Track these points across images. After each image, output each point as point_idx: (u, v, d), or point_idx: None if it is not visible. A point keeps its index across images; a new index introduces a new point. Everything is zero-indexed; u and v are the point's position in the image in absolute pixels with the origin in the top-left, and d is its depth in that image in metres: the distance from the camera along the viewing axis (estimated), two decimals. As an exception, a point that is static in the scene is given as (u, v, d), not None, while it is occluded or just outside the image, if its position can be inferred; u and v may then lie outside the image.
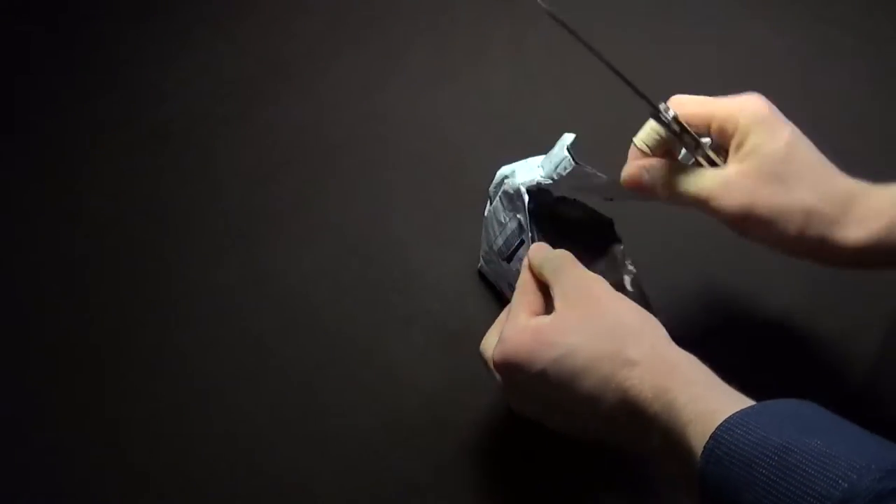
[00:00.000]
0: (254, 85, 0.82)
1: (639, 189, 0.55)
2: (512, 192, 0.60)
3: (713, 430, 0.41)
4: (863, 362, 0.66)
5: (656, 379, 0.45)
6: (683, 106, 0.54)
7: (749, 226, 0.52)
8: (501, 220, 0.62)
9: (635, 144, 0.55)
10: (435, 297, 0.69)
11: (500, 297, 0.68)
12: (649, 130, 0.55)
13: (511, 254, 0.62)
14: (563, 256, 0.53)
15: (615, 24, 0.84)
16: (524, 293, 0.53)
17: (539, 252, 0.54)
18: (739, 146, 0.53)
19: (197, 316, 0.69)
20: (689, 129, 0.54)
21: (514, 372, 0.49)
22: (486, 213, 0.64)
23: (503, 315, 0.55)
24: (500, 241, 0.63)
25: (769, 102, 0.54)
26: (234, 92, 0.81)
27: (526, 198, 0.58)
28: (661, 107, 0.54)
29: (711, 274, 0.69)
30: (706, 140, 0.55)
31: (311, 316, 0.69)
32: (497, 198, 0.62)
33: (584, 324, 0.48)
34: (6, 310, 0.70)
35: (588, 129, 0.77)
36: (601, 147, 0.77)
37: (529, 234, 0.58)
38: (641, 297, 0.60)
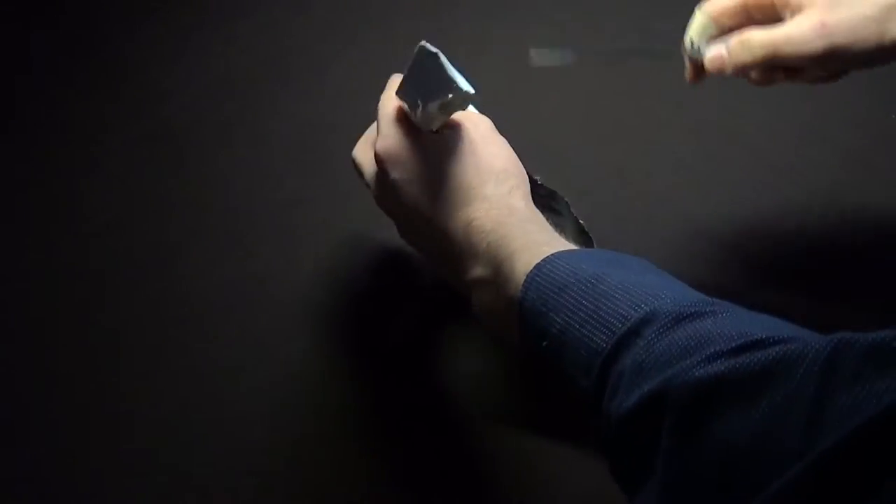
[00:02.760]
0: (254, 85, 0.82)
1: (728, 72, 0.56)
2: None
3: (538, 260, 0.43)
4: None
5: (499, 216, 0.49)
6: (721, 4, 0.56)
7: (834, 58, 0.53)
8: None
9: (689, 42, 0.58)
10: (436, 297, 0.69)
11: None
12: (698, 24, 0.57)
13: None
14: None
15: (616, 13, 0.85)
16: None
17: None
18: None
19: (197, 315, 0.69)
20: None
21: (385, 168, 0.52)
22: None
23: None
24: None
25: None
26: (234, 92, 0.81)
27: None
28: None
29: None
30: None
31: (312, 316, 0.68)
32: None
33: (467, 153, 0.52)
34: (6, 309, 0.70)
35: (590, 127, 0.77)
36: (603, 142, 0.78)
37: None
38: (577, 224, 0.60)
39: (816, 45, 0.53)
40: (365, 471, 0.62)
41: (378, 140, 0.54)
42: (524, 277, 0.44)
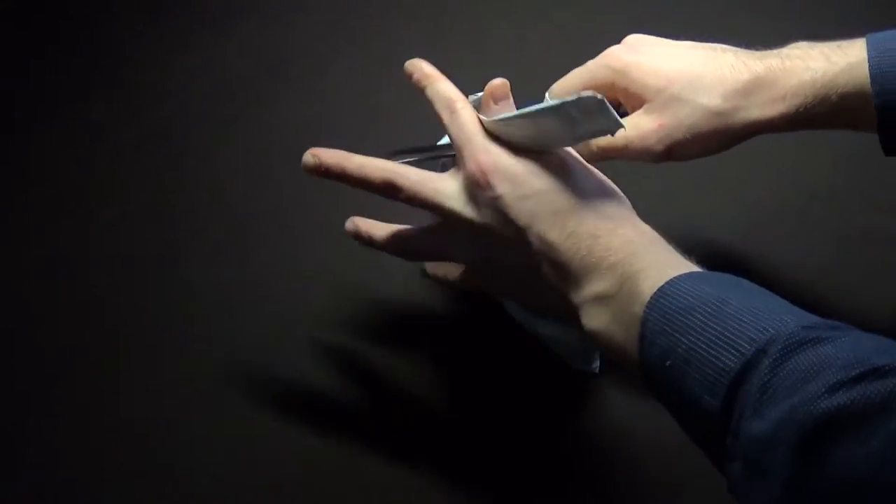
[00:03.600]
0: (254, 85, 0.82)
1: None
2: None
3: (663, 282, 0.44)
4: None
5: (625, 234, 0.49)
6: (566, 87, 0.59)
7: (676, 155, 0.56)
8: None
9: None
10: (436, 297, 0.69)
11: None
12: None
13: None
14: None
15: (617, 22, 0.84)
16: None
17: None
18: (632, 99, 0.56)
19: (197, 315, 0.69)
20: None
21: (492, 181, 0.50)
22: None
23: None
24: None
25: (627, 47, 0.58)
26: (234, 92, 0.81)
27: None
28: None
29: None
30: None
31: (311, 316, 0.68)
32: None
33: (579, 174, 0.51)
34: (6, 309, 0.70)
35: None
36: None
37: None
38: None
39: (656, 148, 0.55)
40: (366, 472, 0.62)
41: (477, 154, 0.51)
42: (648, 297, 0.44)
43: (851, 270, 0.68)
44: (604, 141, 0.55)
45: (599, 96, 0.47)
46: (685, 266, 0.47)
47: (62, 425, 0.64)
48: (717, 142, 0.55)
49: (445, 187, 0.53)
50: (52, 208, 0.75)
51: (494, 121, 0.53)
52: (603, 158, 0.57)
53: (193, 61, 0.84)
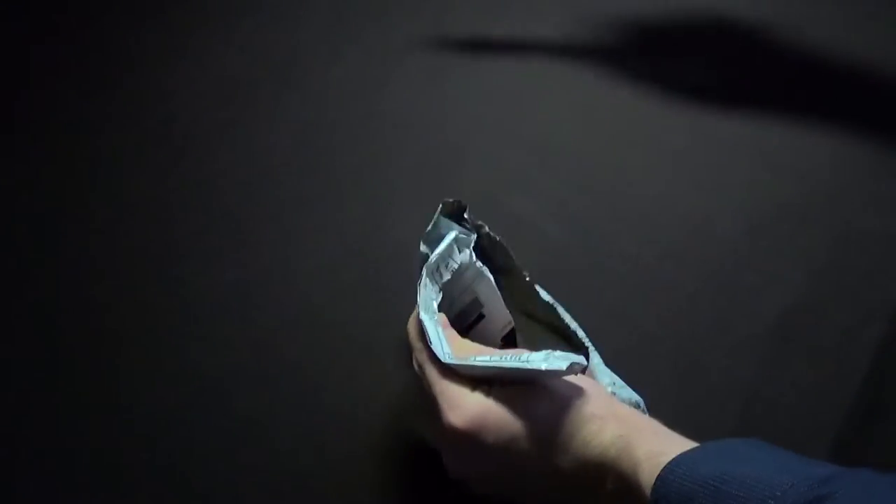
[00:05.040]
0: (254, 85, 0.82)
1: None
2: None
3: (660, 471, 0.45)
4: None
5: (614, 428, 0.49)
6: None
7: None
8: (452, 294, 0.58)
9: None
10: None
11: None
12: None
13: (468, 327, 0.59)
14: None
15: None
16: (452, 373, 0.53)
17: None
18: None
19: (196, 316, 0.69)
20: None
21: (478, 438, 0.50)
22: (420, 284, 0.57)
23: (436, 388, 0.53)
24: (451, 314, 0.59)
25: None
26: (234, 92, 0.81)
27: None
28: None
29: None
30: None
31: (311, 316, 0.69)
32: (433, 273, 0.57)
33: (553, 386, 0.51)
34: (6, 309, 0.70)
35: (589, 128, 0.77)
36: (603, 142, 0.78)
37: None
38: None
39: None
40: (366, 472, 0.62)
41: (451, 416, 0.51)
42: (650, 490, 0.45)
43: (851, 270, 0.68)
44: None
45: (587, 364, 0.49)
46: (678, 445, 0.47)
47: (62, 425, 0.65)
48: None
49: (437, 436, 0.53)
50: (51, 208, 0.75)
51: (466, 365, 0.52)
52: None
53: (193, 61, 0.84)
